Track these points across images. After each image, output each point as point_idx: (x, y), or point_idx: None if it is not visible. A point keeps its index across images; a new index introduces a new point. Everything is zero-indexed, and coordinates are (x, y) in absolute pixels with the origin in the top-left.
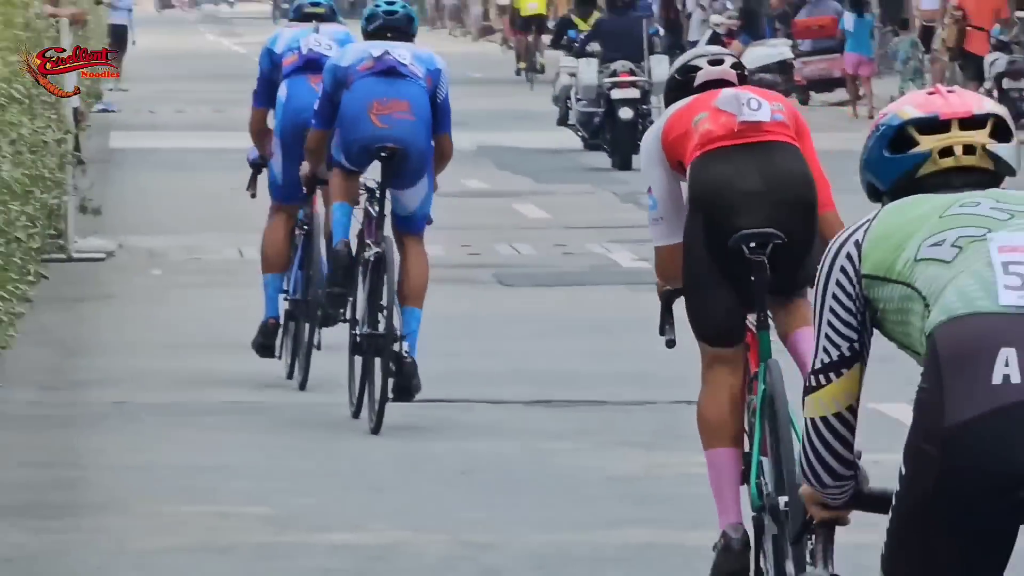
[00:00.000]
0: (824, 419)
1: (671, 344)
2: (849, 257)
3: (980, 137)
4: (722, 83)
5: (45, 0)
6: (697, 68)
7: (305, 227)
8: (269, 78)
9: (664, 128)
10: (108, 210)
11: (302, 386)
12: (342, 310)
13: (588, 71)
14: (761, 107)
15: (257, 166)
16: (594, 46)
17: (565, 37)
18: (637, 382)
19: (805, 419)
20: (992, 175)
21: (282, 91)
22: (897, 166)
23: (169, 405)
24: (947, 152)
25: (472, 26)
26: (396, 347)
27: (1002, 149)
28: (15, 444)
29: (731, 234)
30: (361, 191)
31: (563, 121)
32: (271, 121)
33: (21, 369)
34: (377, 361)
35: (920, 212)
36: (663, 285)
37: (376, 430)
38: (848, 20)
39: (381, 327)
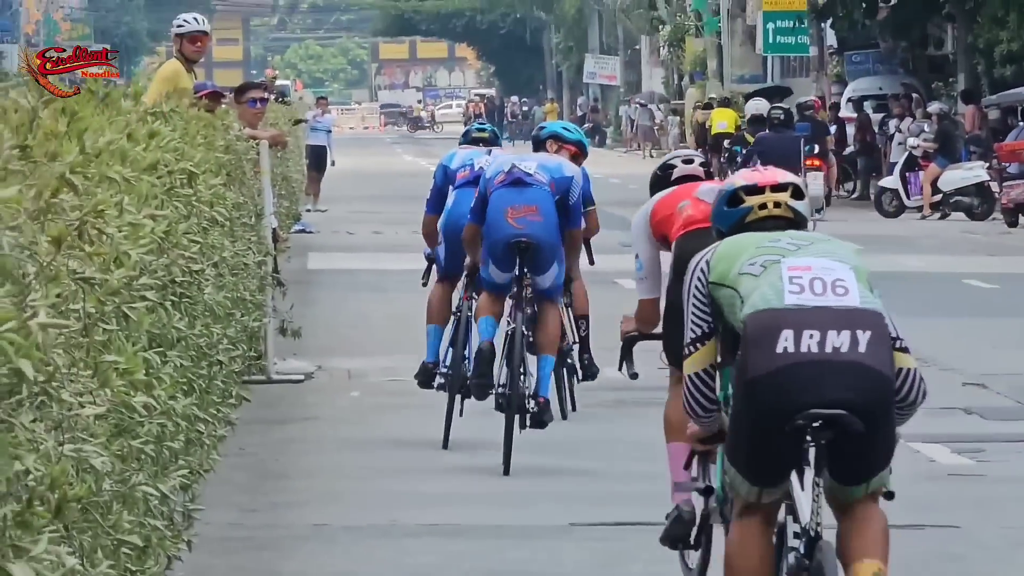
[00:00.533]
0: (696, 374)
1: (635, 376)
2: (702, 271)
3: (783, 197)
4: (693, 177)
5: (244, 122)
6: (673, 166)
7: (458, 313)
8: (442, 189)
9: (652, 211)
10: (307, 331)
11: (444, 445)
12: (490, 391)
13: None
14: None
15: (431, 260)
16: (756, 160)
17: (729, 151)
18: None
19: (684, 376)
20: (792, 221)
21: (451, 198)
22: (732, 216)
23: (368, 527)
24: (763, 206)
25: (670, 147)
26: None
27: (798, 205)
28: (216, 566)
29: None
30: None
31: None
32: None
33: (222, 491)
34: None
35: (745, 244)
36: (629, 330)
37: (506, 471)
38: None
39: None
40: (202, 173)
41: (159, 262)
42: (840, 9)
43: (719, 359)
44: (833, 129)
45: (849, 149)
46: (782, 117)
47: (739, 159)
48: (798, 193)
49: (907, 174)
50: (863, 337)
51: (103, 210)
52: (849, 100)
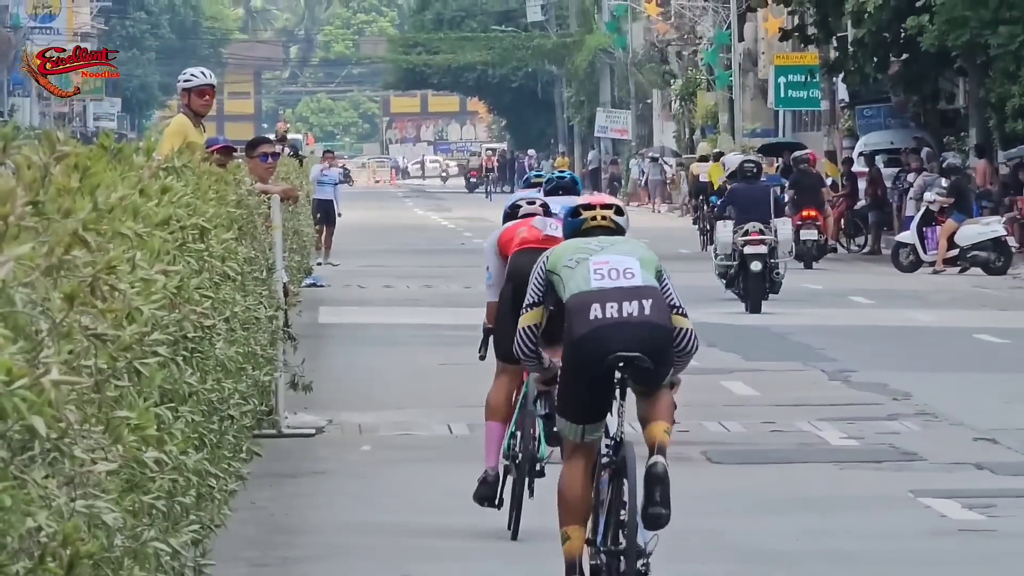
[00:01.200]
0: (527, 327)
1: (483, 358)
2: (543, 261)
3: (608, 212)
4: (533, 214)
5: (255, 176)
6: (520, 206)
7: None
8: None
9: (500, 235)
10: (318, 386)
11: (513, 536)
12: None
13: (724, 231)
14: (557, 228)
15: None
16: (730, 210)
17: (707, 203)
18: (846, 561)
19: (519, 327)
20: (613, 230)
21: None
22: (574, 224)
23: None
24: (593, 218)
25: (681, 201)
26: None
27: (619, 219)
28: None
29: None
30: None
31: (727, 283)
32: None
33: (233, 546)
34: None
35: (568, 246)
36: (488, 324)
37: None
38: None
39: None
40: (214, 228)
41: (171, 317)
42: (851, 64)
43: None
44: (844, 183)
45: (860, 203)
46: (754, 170)
47: (716, 208)
48: (620, 211)
49: (924, 229)
50: (647, 304)
51: (115, 266)
52: (861, 154)
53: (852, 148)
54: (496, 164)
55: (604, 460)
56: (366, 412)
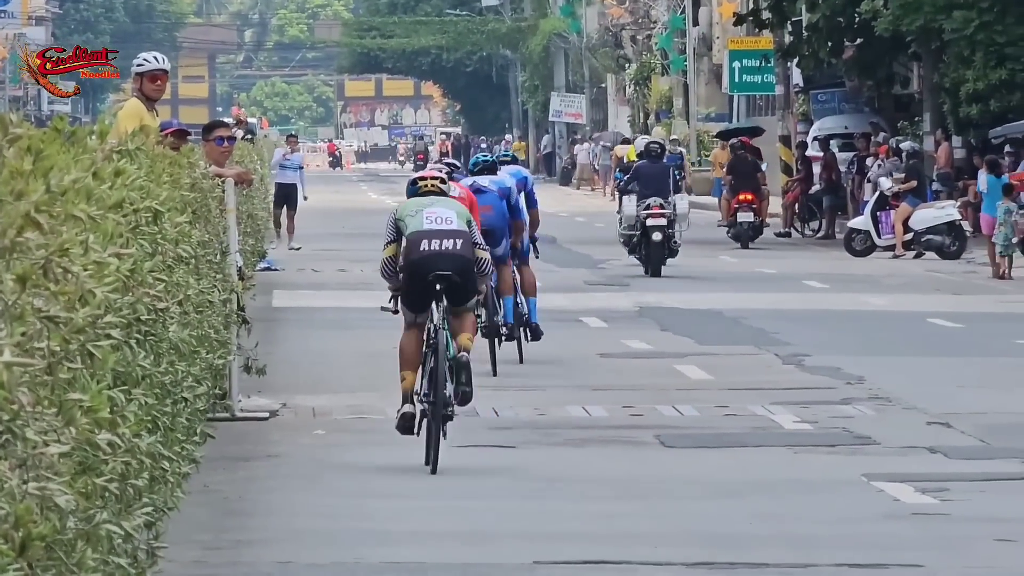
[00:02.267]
0: (388, 258)
1: (395, 312)
2: (393, 212)
3: (436, 182)
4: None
5: (211, 160)
6: (420, 180)
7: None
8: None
9: (399, 207)
10: (271, 369)
11: (433, 471)
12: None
13: (629, 205)
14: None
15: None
16: (634, 186)
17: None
18: (800, 545)
19: (382, 258)
20: (440, 192)
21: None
22: (414, 189)
23: (332, 565)
24: (425, 184)
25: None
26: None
27: (444, 186)
28: None
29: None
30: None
31: (630, 250)
32: None
33: (185, 528)
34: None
35: (410, 203)
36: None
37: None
38: (982, 180)
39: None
40: (167, 211)
41: (124, 300)
42: (806, 48)
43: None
44: (798, 168)
45: (815, 188)
46: (658, 150)
47: (621, 183)
48: (443, 181)
49: (878, 213)
50: (458, 242)
51: (68, 248)
52: (815, 139)
53: (807, 133)
54: (451, 148)
55: (429, 341)
56: (320, 395)
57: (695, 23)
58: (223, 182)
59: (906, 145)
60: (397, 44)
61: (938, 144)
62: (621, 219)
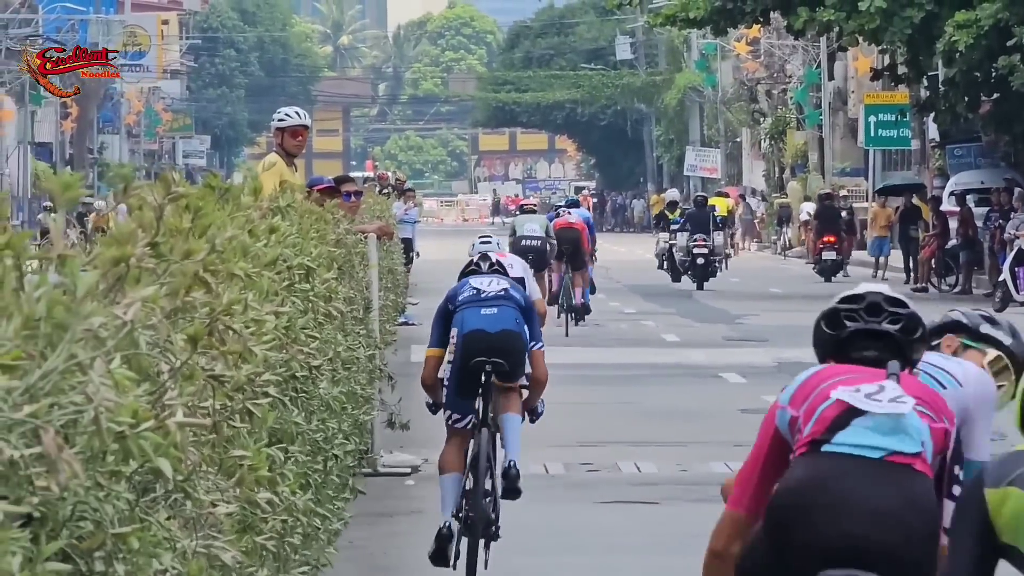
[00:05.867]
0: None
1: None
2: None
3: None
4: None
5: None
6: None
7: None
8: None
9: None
10: (413, 424)
11: None
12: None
13: (683, 239)
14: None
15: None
16: (686, 226)
17: (663, 223)
18: None
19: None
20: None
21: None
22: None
23: None
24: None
25: (772, 241)
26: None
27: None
28: None
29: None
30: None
31: (660, 267)
32: None
33: None
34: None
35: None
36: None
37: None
38: None
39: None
40: (317, 267)
41: (280, 357)
42: (942, 103)
43: None
44: (934, 222)
45: (951, 242)
46: (702, 201)
47: (674, 226)
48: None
49: (1016, 268)
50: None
51: (232, 307)
52: (952, 194)
53: (943, 187)
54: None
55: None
56: None
57: (830, 77)
58: (365, 238)
59: None
60: (532, 98)
61: None
62: (676, 250)
